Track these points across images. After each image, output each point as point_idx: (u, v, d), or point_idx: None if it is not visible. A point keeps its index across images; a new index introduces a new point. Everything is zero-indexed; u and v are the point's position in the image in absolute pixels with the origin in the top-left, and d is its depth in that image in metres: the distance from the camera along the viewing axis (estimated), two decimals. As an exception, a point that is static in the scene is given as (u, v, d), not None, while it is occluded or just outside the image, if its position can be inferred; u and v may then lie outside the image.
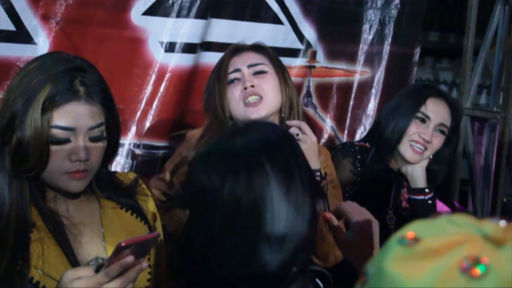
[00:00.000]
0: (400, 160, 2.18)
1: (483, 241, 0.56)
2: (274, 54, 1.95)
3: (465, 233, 0.57)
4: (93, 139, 1.33)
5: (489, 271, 0.54)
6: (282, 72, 1.92)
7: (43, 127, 1.26)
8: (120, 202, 1.46)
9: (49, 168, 1.31)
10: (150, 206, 1.53)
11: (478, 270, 0.54)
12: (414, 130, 2.13)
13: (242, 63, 1.88)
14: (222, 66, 1.89)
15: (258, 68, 1.88)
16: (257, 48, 1.94)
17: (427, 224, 0.59)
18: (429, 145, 2.14)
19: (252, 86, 1.84)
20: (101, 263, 1.31)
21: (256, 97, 1.84)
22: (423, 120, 2.15)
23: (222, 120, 1.85)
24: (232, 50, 1.93)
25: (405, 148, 2.13)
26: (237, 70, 1.88)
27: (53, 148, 1.29)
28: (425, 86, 2.31)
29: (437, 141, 2.16)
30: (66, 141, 1.30)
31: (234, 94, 1.86)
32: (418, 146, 2.13)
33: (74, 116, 1.29)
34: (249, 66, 1.88)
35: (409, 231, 0.58)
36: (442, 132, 2.17)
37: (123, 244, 1.14)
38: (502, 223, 0.59)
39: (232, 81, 1.88)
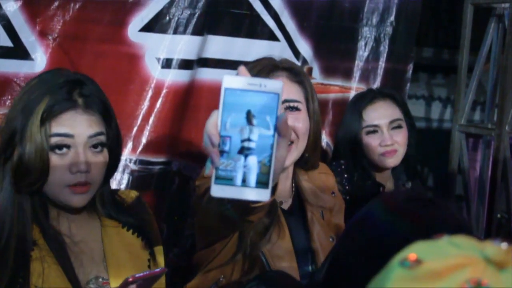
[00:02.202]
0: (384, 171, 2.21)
1: (484, 264, 0.57)
2: (308, 82, 1.72)
3: (467, 256, 0.57)
4: (93, 150, 1.33)
5: (491, 294, 0.54)
6: (313, 103, 1.69)
7: (42, 138, 1.28)
8: (122, 220, 1.46)
9: (51, 181, 1.31)
10: (152, 225, 1.53)
11: (480, 293, 0.54)
12: (374, 144, 2.15)
13: None
14: None
15: (292, 104, 1.64)
16: (294, 73, 1.68)
17: (429, 246, 0.59)
18: (396, 144, 2.15)
19: None
20: (101, 282, 1.31)
21: None
22: (374, 131, 2.15)
23: None
24: (265, 70, 1.65)
25: (381, 161, 2.15)
26: None
27: (54, 158, 1.30)
28: (356, 99, 2.29)
29: (401, 136, 2.17)
30: (66, 146, 1.30)
31: None
32: (388, 152, 2.14)
33: (72, 124, 1.30)
34: (283, 101, 1.61)
35: (411, 253, 0.58)
36: (399, 126, 2.17)
37: (130, 279, 1.15)
38: (504, 245, 0.59)
39: None
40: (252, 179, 0.93)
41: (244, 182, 0.93)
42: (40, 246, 1.33)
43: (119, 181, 2.38)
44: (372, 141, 2.15)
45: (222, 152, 0.93)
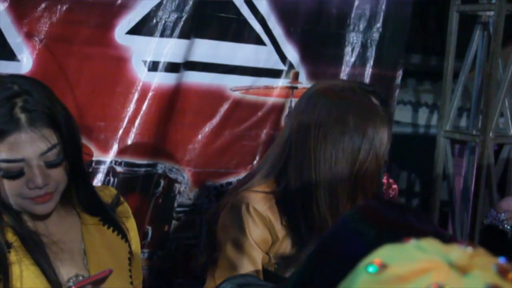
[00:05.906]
0: None
1: (448, 269, 0.57)
2: None
3: (431, 260, 0.58)
4: (49, 164, 1.28)
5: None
6: None
7: None
8: (102, 218, 1.45)
9: (10, 196, 1.28)
10: (130, 225, 1.53)
11: (441, 299, 0.55)
12: None
13: None
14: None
15: None
16: None
17: (395, 250, 0.60)
18: None
19: None
20: (81, 280, 1.31)
21: None
22: None
23: None
24: None
25: None
26: None
27: (6, 180, 1.26)
28: None
29: None
30: (20, 173, 1.27)
31: None
32: None
33: (20, 147, 1.24)
34: None
35: (377, 257, 0.58)
36: None
37: (73, 287, 1.17)
38: (469, 249, 0.60)
39: None
40: None
41: None
42: (16, 249, 1.31)
43: (104, 183, 2.38)
44: None
45: None
